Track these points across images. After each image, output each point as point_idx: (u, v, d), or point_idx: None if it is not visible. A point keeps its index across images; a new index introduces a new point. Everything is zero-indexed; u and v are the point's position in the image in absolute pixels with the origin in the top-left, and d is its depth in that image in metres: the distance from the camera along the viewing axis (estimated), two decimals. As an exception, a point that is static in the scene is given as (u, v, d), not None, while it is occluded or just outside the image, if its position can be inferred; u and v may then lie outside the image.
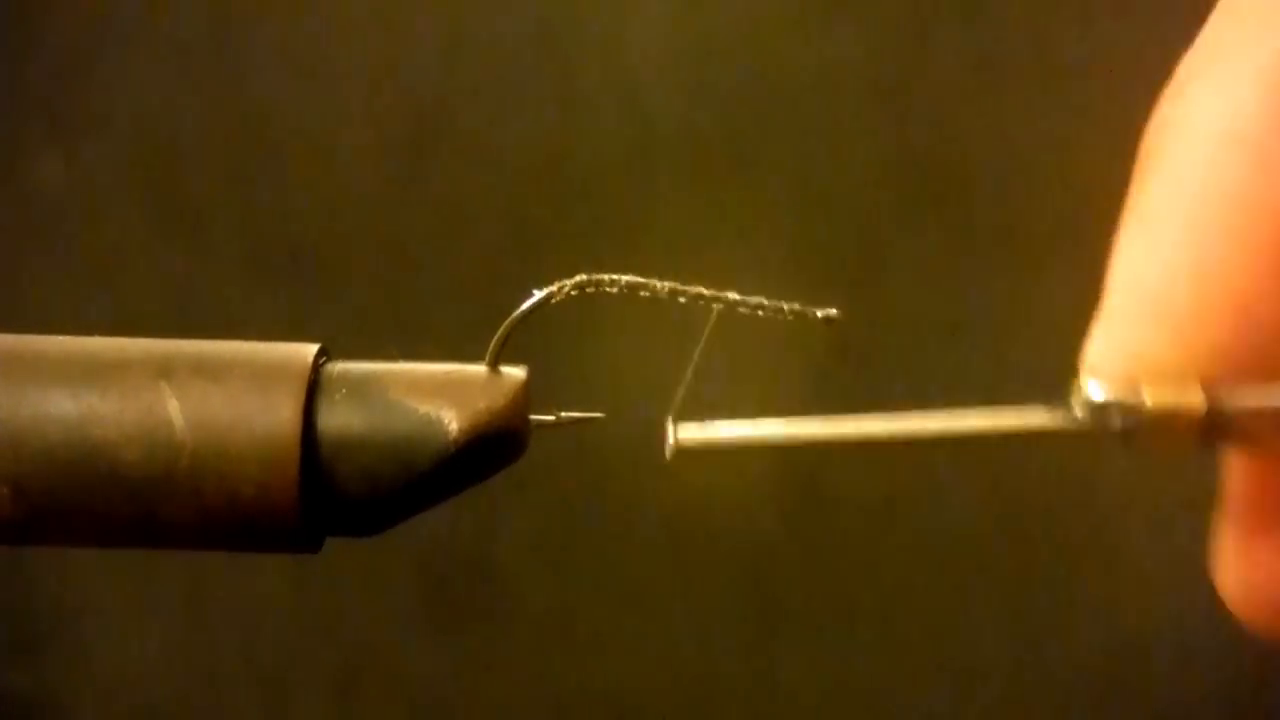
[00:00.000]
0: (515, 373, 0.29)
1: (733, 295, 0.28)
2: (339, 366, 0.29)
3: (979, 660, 0.87)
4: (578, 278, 0.28)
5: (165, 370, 0.28)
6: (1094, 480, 0.87)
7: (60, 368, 0.28)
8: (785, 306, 0.28)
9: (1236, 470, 0.28)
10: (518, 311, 0.29)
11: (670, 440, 0.28)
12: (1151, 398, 0.26)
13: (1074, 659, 0.87)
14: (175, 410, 0.28)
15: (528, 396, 0.29)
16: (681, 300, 0.28)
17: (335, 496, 0.28)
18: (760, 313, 0.28)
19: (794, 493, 0.87)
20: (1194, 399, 0.26)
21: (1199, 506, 0.92)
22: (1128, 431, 0.26)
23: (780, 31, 0.85)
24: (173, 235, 0.86)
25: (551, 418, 0.31)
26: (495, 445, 0.29)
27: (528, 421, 0.29)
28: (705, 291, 0.28)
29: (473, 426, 0.28)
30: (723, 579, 0.87)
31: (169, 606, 0.88)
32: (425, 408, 0.28)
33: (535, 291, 0.29)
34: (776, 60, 0.85)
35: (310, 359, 0.29)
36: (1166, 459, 0.26)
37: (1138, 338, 0.26)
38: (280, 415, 0.28)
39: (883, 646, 0.88)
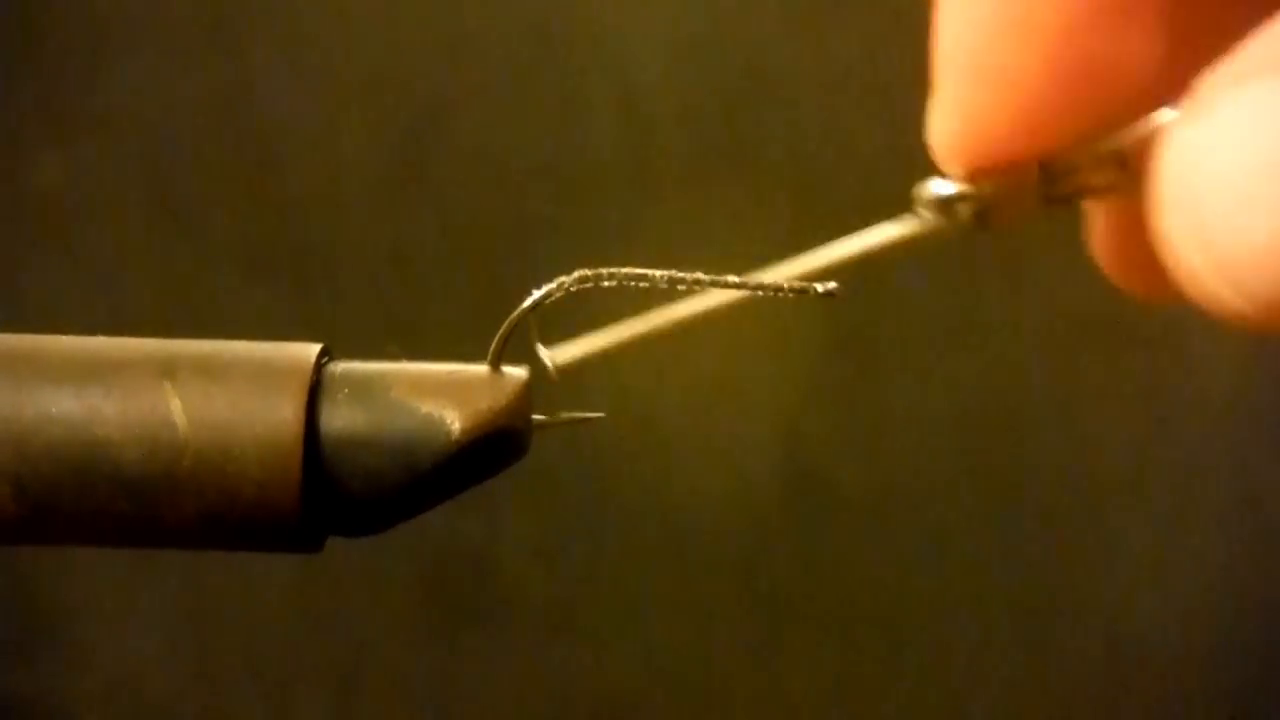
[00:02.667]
0: (517, 372, 0.29)
1: (732, 278, 0.28)
2: (341, 366, 0.29)
3: (979, 660, 0.87)
4: (577, 274, 0.28)
5: (168, 370, 0.28)
6: (1094, 480, 0.87)
7: (62, 367, 0.28)
8: (785, 284, 0.28)
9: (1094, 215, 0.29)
10: (518, 310, 0.29)
11: (549, 364, 0.28)
12: (987, 181, 0.27)
13: (1074, 659, 0.87)
14: (177, 410, 0.28)
15: (530, 396, 0.29)
16: (681, 288, 0.28)
17: (337, 496, 0.28)
18: (760, 293, 0.28)
19: (794, 492, 0.87)
20: (1029, 169, 0.26)
21: (1199, 504, 0.92)
22: (976, 216, 0.27)
23: (780, 31, 0.85)
24: (173, 235, 0.86)
25: (553, 418, 0.31)
26: (497, 445, 0.29)
27: (530, 421, 0.29)
28: (703, 276, 0.28)
29: (475, 426, 0.28)
30: (723, 579, 0.87)
31: (169, 606, 0.88)
32: (427, 407, 0.28)
33: (535, 290, 0.29)
34: (776, 60, 0.85)
35: (313, 359, 0.29)
36: (1019, 228, 0.27)
37: (961, 111, 0.27)
38: (282, 415, 0.28)
39: (883, 646, 0.88)
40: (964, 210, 0.27)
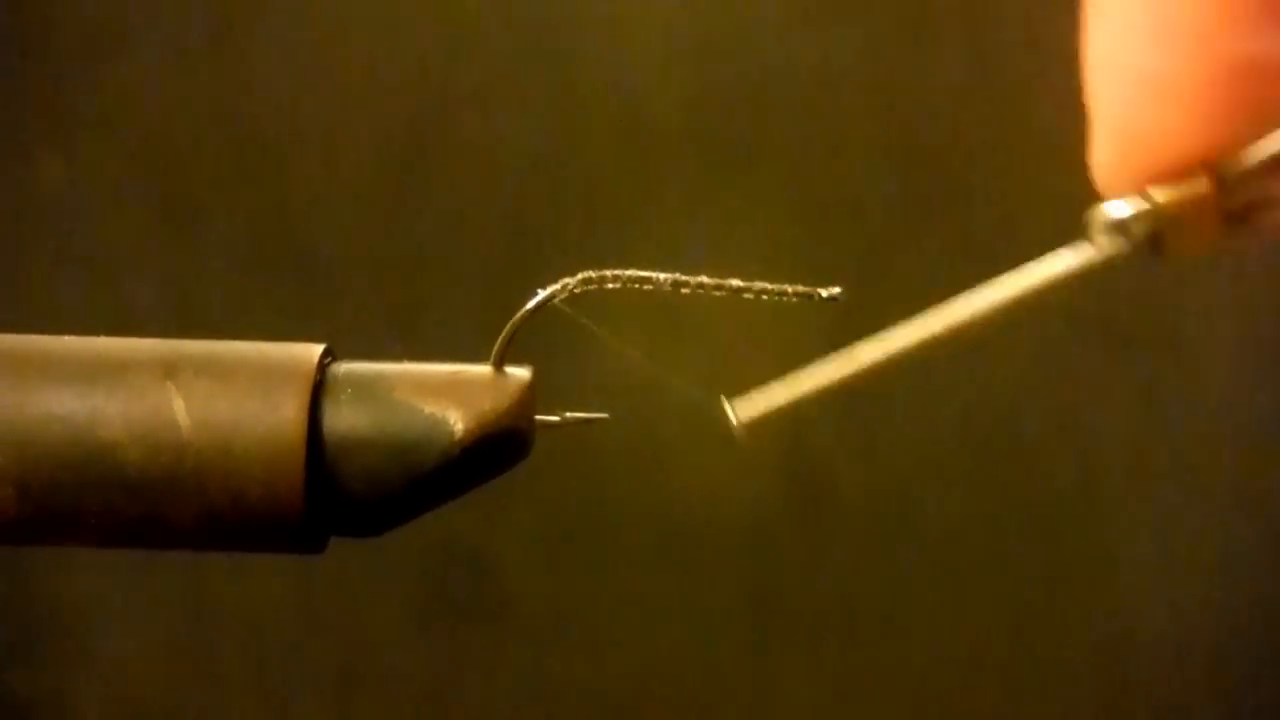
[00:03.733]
0: (520, 373, 0.29)
1: (735, 282, 0.28)
2: (344, 367, 0.29)
3: (979, 660, 0.87)
4: (581, 275, 0.28)
5: (170, 370, 0.28)
6: (1094, 480, 0.87)
7: (65, 368, 0.28)
8: (790, 289, 0.28)
9: None
10: (522, 311, 0.29)
11: (734, 420, 0.27)
12: (1160, 194, 0.25)
13: (1074, 658, 0.87)
14: (180, 410, 0.28)
15: (533, 397, 0.29)
16: (685, 291, 0.28)
17: (340, 497, 0.28)
18: (764, 297, 0.28)
19: (794, 492, 0.87)
20: (1201, 181, 0.25)
21: (1198, 504, 0.92)
22: (1154, 238, 0.26)
23: (780, 31, 0.85)
24: (173, 235, 0.86)
25: (556, 418, 0.31)
26: (500, 446, 0.29)
27: (532, 422, 0.29)
28: (707, 280, 0.28)
29: (478, 427, 0.28)
30: (723, 579, 0.87)
31: (169, 606, 0.88)
32: (430, 408, 0.28)
33: (539, 291, 0.29)
34: (776, 60, 0.85)
35: (316, 359, 0.29)
36: (1204, 254, 0.26)
37: (1130, 140, 0.26)
38: (285, 415, 0.28)
39: (883, 646, 0.88)
40: (1139, 231, 0.26)
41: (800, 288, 0.28)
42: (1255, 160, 0.25)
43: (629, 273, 0.28)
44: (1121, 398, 0.86)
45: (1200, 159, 0.25)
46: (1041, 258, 0.27)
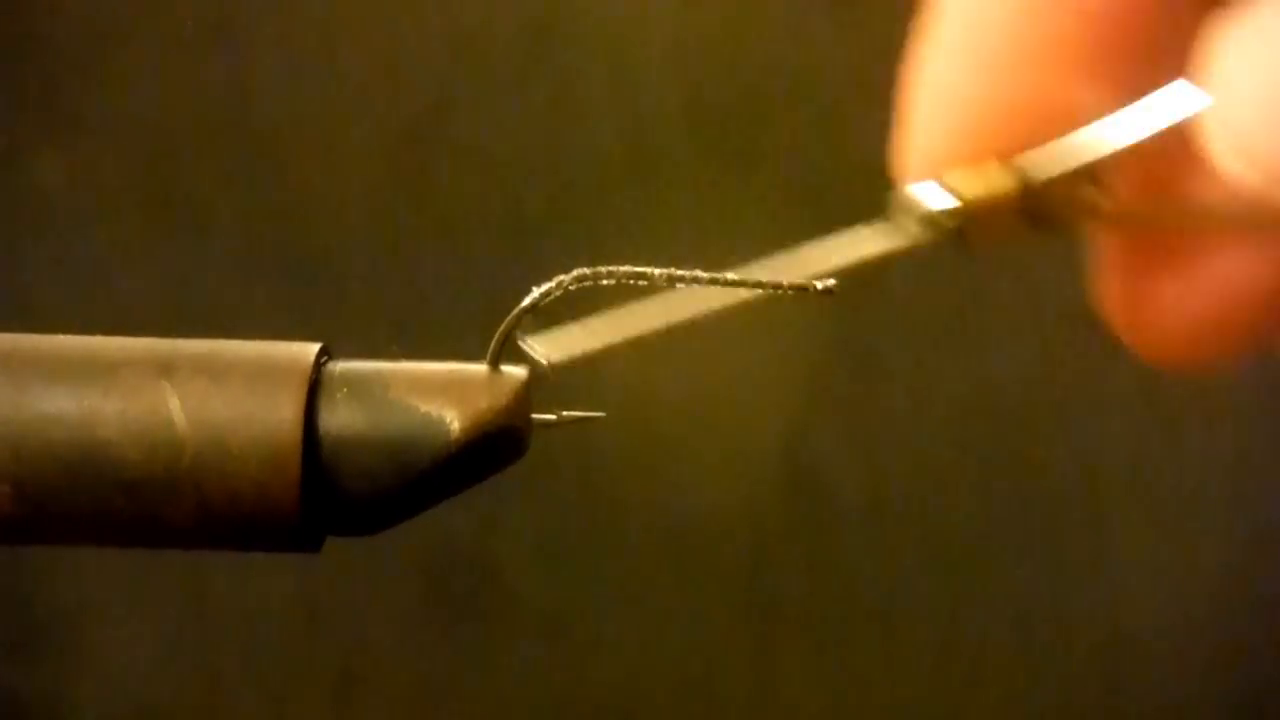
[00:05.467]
0: (516, 372, 0.29)
1: (730, 275, 0.28)
2: (340, 366, 0.29)
3: (979, 660, 0.87)
4: (575, 272, 0.28)
5: (167, 369, 0.28)
6: (1094, 480, 0.87)
7: (61, 366, 0.28)
8: (785, 282, 0.28)
9: (1098, 239, 0.28)
10: (517, 309, 0.29)
11: (544, 363, 0.27)
12: (963, 186, 0.26)
13: (1074, 658, 0.87)
14: (176, 409, 0.28)
15: (529, 396, 0.29)
16: (680, 286, 0.28)
17: (336, 496, 0.28)
18: (760, 290, 0.28)
19: (794, 492, 0.87)
20: (1005, 178, 0.26)
21: (1199, 504, 0.92)
22: (958, 230, 0.27)
23: (781, 31, 0.85)
24: (173, 235, 0.86)
25: (553, 417, 0.31)
26: (497, 445, 0.29)
27: (529, 421, 0.29)
28: (702, 274, 0.28)
29: (474, 426, 0.28)
30: (723, 580, 0.87)
31: (169, 606, 0.88)
32: (426, 407, 0.28)
33: (534, 288, 0.29)
34: (777, 60, 0.85)
35: (312, 358, 0.29)
36: (1004, 249, 0.27)
37: (933, 131, 0.27)
38: (281, 414, 0.28)
39: (883, 646, 0.88)
40: (946, 224, 0.27)
41: (796, 281, 0.28)
42: (1059, 157, 0.26)
43: (624, 269, 0.28)
44: (1122, 397, 0.86)
45: (1012, 160, 0.26)
46: (843, 235, 0.28)
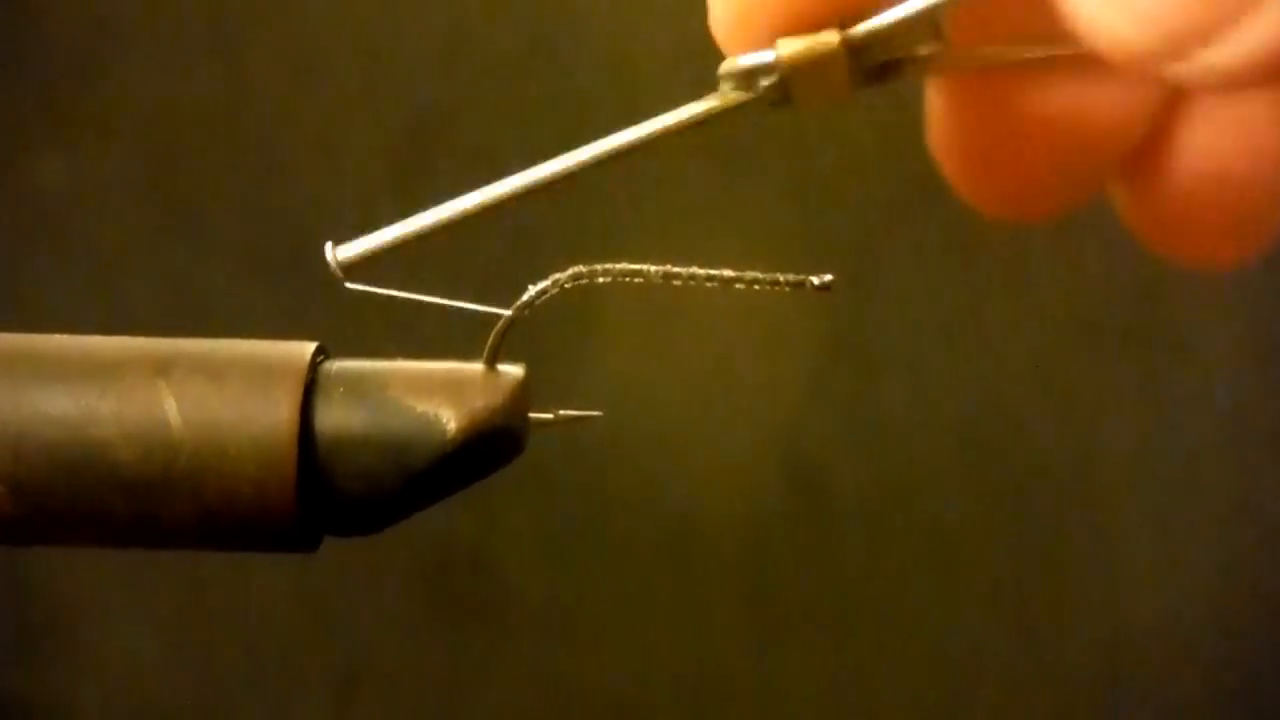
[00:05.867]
0: (513, 370, 0.29)
1: (727, 272, 0.28)
2: (336, 365, 0.29)
3: (979, 660, 0.87)
4: (571, 270, 0.28)
5: (163, 369, 0.28)
6: (1094, 479, 0.87)
7: (58, 367, 0.28)
8: (782, 278, 0.28)
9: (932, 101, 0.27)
10: (514, 308, 0.29)
11: (333, 261, 0.27)
12: (787, 47, 0.25)
13: (1074, 658, 0.87)
14: (173, 409, 0.28)
15: (526, 394, 0.29)
16: (676, 283, 0.28)
17: (333, 495, 0.28)
18: (756, 287, 0.28)
19: (793, 492, 0.87)
20: (829, 37, 0.25)
21: (1198, 504, 0.92)
22: (781, 88, 0.26)
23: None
24: (173, 235, 0.86)
25: (550, 416, 0.31)
26: (493, 444, 0.29)
27: (526, 420, 0.29)
28: (699, 271, 0.28)
29: (471, 425, 0.28)
30: (723, 579, 0.87)
31: (169, 606, 0.88)
32: (423, 406, 0.28)
33: (531, 287, 0.29)
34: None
35: (308, 357, 0.29)
36: (828, 107, 0.26)
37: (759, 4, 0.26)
38: (278, 414, 0.28)
39: (883, 646, 0.88)
40: (765, 81, 0.26)
41: (792, 277, 0.28)
42: (886, 21, 0.25)
43: (619, 266, 0.28)
44: (1122, 397, 0.86)
45: (831, 13, 0.25)
46: (676, 109, 0.28)
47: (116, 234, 0.86)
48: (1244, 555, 0.86)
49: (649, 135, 0.27)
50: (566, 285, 0.28)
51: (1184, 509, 0.86)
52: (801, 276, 0.28)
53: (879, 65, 0.26)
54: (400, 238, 0.27)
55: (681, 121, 0.27)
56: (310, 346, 0.29)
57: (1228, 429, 0.86)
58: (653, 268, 0.28)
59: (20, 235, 0.86)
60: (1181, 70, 0.22)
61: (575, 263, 0.29)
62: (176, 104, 0.85)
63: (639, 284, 0.28)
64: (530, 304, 0.28)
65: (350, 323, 0.85)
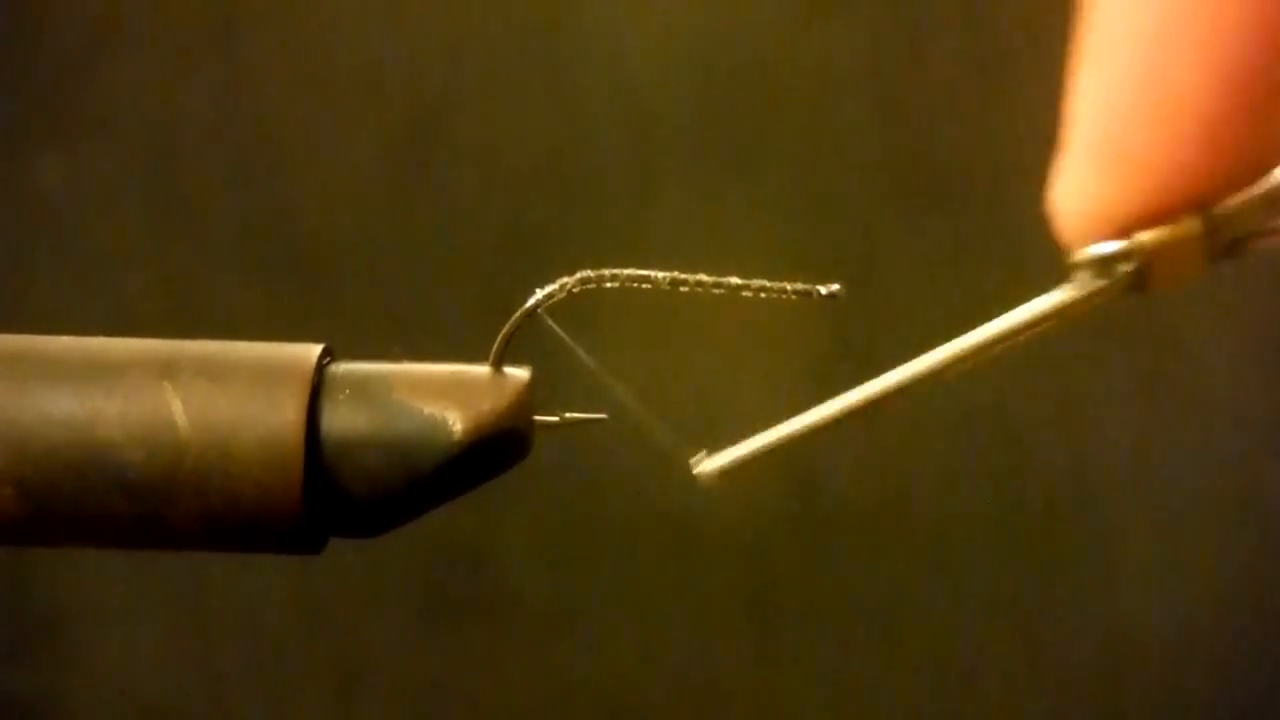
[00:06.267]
0: (519, 373, 0.29)
1: (734, 280, 0.28)
2: (343, 367, 0.29)
3: (979, 660, 0.87)
4: (579, 274, 0.28)
5: (169, 371, 0.28)
6: (1094, 479, 0.87)
7: (64, 368, 0.28)
8: (789, 287, 0.28)
9: None
10: (520, 311, 0.29)
11: (707, 471, 0.27)
12: (1147, 235, 0.25)
13: (1074, 659, 0.87)
14: (179, 411, 0.28)
15: (532, 397, 0.29)
16: (683, 290, 0.28)
17: (339, 497, 0.28)
18: (763, 294, 0.28)
19: (794, 493, 0.87)
20: (1188, 220, 0.25)
21: (1199, 504, 0.92)
22: (1139, 276, 0.26)
23: (780, 31, 0.85)
24: (173, 235, 0.86)
25: (555, 418, 0.31)
26: (499, 446, 0.29)
27: (532, 422, 0.29)
28: (705, 278, 0.28)
29: (477, 427, 0.28)
30: (723, 579, 0.87)
31: (169, 606, 0.88)
32: (429, 409, 0.28)
33: (537, 290, 0.29)
34: (776, 60, 0.85)
35: (314, 360, 0.29)
36: (1185, 286, 0.26)
37: (1114, 180, 0.25)
38: (284, 416, 0.28)
39: (883, 646, 0.88)
40: (1125, 269, 0.26)
41: (799, 285, 0.28)
42: (1251, 198, 0.25)
43: (627, 271, 0.28)
44: (1121, 396, 0.86)
45: (1193, 196, 0.25)
46: (1027, 302, 0.27)
47: (116, 234, 0.86)
48: (1244, 555, 0.86)
49: (1011, 329, 0.28)
50: (574, 289, 0.28)
51: (1184, 509, 0.86)
52: (809, 285, 0.28)
53: (1230, 241, 0.25)
54: (770, 449, 0.27)
55: (1042, 313, 0.28)
56: (316, 349, 0.29)
57: (1228, 429, 0.86)
58: (660, 274, 0.28)
59: (20, 235, 0.86)
60: None
61: (579, 267, 0.29)
62: (176, 104, 0.85)
63: (644, 288, 0.28)
64: (538, 307, 0.28)
65: (353, 324, 0.85)
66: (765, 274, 0.29)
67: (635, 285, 0.28)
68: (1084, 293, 0.27)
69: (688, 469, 0.27)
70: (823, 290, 0.28)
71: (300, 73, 0.85)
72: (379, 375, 0.29)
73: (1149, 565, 0.87)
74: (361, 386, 0.28)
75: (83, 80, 0.85)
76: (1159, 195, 0.24)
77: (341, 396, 0.28)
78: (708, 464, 0.27)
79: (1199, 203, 0.25)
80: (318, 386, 0.28)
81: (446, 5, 0.85)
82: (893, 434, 0.86)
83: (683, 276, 0.28)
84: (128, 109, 0.85)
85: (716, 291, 0.28)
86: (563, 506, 0.86)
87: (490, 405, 0.28)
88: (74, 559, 0.85)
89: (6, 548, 0.29)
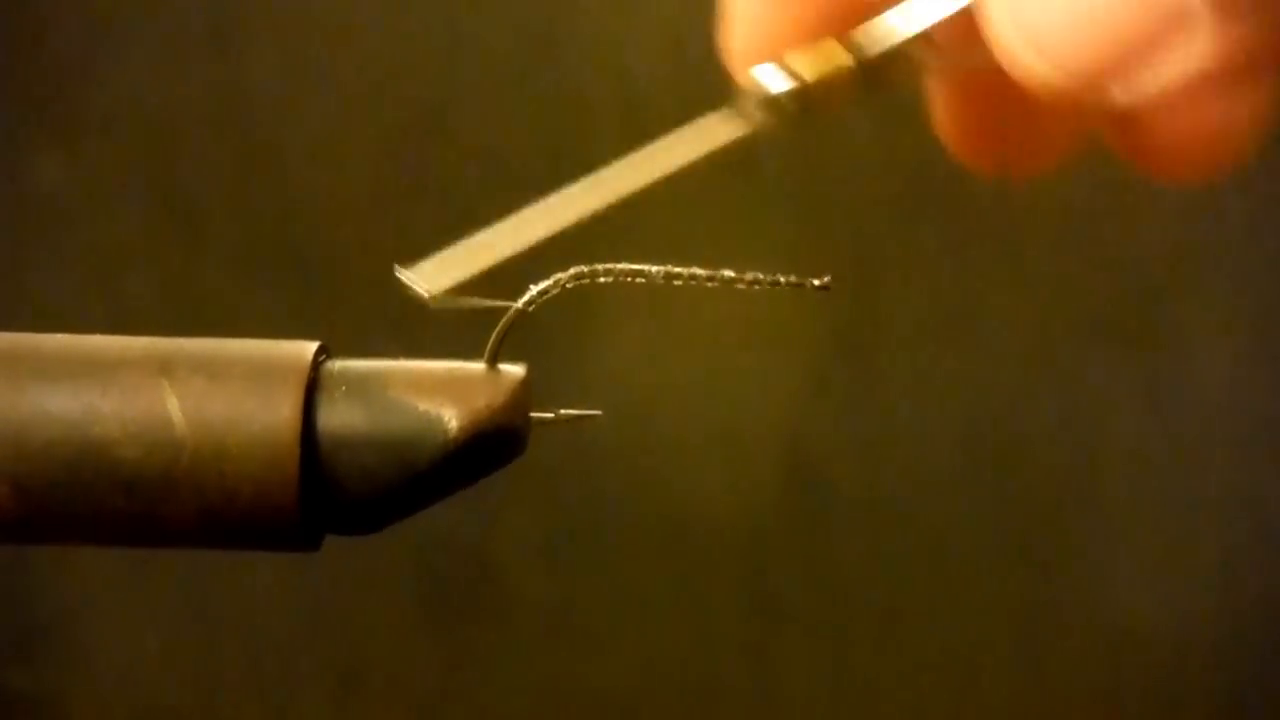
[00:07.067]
0: (514, 370, 0.29)
1: (728, 273, 0.28)
2: (338, 364, 0.29)
3: (979, 660, 0.87)
4: (573, 270, 0.29)
5: (165, 368, 0.28)
6: (1094, 478, 0.87)
7: (60, 366, 0.28)
8: (782, 279, 0.28)
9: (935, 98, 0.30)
10: (515, 307, 0.29)
11: (423, 292, 0.27)
12: (805, 69, 0.27)
13: (1074, 659, 0.87)
14: (175, 408, 0.28)
15: (528, 394, 0.29)
16: (677, 283, 0.28)
17: (335, 494, 0.28)
18: (756, 287, 0.28)
19: (794, 492, 0.87)
20: (841, 54, 0.27)
21: (1198, 504, 0.92)
22: (801, 111, 0.27)
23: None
24: (173, 234, 0.86)
25: (551, 415, 0.31)
26: (495, 443, 0.29)
27: (528, 419, 0.29)
28: (699, 271, 0.28)
29: (472, 424, 0.28)
30: (723, 579, 0.87)
31: (169, 606, 0.88)
32: (425, 405, 0.28)
33: (532, 287, 0.29)
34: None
35: (310, 357, 0.29)
36: (844, 110, 0.28)
37: (762, 16, 0.28)
38: (280, 413, 0.28)
39: (883, 646, 0.88)
40: (790, 106, 0.27)
41: (792, 277, 0.28)
42: (891, 37, 0.27)
43: (621, 266, 0.28)
44: (1122, 397, 0.86)
45: (829, 25, 0.27)
46: (692, 126, 0.29)
47: (116, 234, 0.86)
48: (1244, 554, 0.86)
49: (676, 165, 0.29)
50: (568, 285, 0.28)
51: (1184, 509, 0.86)
52: (801, 278, 0.29)
53: (878, 71, 0.27)
54: (485, 261, 0.27)
55: (711, 149, 0.29)
56: (312, 346, 0.29)
57: (1228, 429, 0.86)
58: (654, 268, 0.28)
59: (20, 235, 0.86)
60: (1106, 102, 0.24)
61: (574, 262, 0.29)
62: (176, 104, 0.85)
63: (640, 284, 0.28)
64: (532, 303, 0.28)
65: (351, 322, 0.85)
66: (763, 272, 0.29)
67: (630, 280, 0.28)
68: (752, 125, 0.28)
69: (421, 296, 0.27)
70: (815, 282, 0.29)
71: (300, 73, 0.85)
72: (375, 372, 0.29)
73: (1149, 565, 0.87)
74: (357, 383, 0.28)
75: (83, 80, 0.85)
76: (805, 20, 0.27)
77: (337, 393, 0.28)
78: (428, 282, 0.27)
79: (833, 27, 0.27)
80: (313, 383, 0.28)
81: (446, 5, 0.85)
82: (893, 433, 0.86)
83: (677, 270, 0.28)
84: (128, 109, 0.85)
85: (710, 285, 0.28)
86: (563, 506, 0.86)
87: (486, 402, 0.28)
88: (74, 559, 0.85)
89: (6, 547, 0.29)
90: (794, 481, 0.86)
